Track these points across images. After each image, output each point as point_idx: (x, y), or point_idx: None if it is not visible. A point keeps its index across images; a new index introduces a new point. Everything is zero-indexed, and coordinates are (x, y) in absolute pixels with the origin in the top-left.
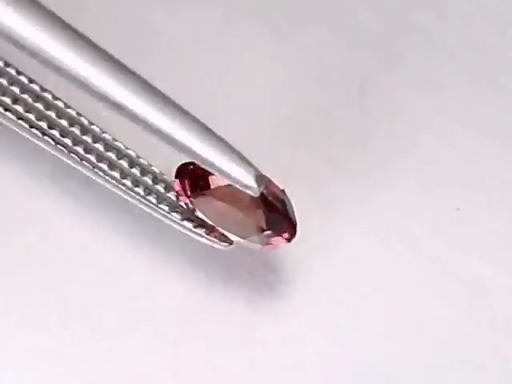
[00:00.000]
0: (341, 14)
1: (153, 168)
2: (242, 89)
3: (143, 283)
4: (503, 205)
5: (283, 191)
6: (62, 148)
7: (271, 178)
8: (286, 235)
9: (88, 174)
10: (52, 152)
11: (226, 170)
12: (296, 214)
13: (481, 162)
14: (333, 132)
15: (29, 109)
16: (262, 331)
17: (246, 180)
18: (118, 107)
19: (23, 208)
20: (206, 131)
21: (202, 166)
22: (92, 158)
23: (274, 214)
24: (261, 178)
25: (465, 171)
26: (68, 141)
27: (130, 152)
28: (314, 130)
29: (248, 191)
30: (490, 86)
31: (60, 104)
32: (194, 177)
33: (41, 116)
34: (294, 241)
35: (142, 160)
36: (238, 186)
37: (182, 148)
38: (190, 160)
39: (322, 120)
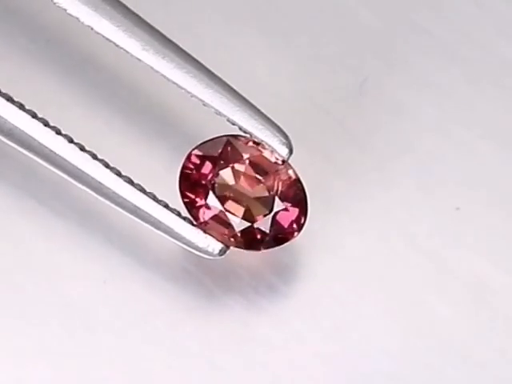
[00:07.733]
0: (341, 13)
1: None
2: (242, 88)
3: (142, 283)
4: (503, 204)
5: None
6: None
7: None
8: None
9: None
10: None
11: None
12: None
13: (481, 161)
14: (333, 131)
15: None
16: (262, 331)
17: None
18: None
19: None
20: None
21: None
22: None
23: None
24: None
25: (465, 170)
26: None
27: None
28: (313, 129)
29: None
30: (490, 86)
31: None
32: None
33: None
34: (293, 240)
35: None
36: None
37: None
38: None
39: (321, 119)
